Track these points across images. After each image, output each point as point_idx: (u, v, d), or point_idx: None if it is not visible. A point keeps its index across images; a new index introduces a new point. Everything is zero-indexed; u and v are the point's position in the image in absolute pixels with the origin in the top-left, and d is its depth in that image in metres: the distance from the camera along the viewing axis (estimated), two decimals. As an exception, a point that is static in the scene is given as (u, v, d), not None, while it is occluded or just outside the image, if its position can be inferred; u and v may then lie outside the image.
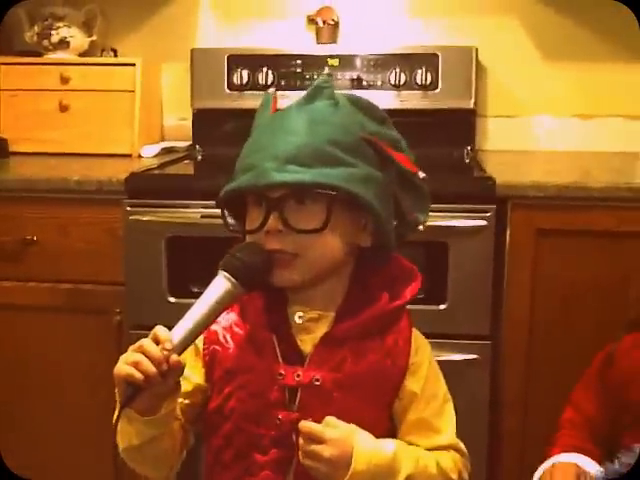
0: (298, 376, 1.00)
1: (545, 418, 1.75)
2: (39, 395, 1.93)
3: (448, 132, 2.22)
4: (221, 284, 0.96)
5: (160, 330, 0.93)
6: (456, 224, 1.71)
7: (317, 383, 1.00)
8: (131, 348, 0.92)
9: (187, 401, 1.06)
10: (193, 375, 1.06)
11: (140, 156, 2.13)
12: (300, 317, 1.03)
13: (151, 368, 0.89)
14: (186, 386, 1.05)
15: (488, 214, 1.70)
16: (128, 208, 1.78)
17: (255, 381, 1.02)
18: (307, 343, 1.03)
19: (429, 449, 1.04)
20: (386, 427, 1.05)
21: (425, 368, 1.06)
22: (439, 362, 1.73)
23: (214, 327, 1.05)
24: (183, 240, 1.79)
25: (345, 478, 0.95)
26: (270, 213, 0.97)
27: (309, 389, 1.00)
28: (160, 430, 0.97)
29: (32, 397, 1.93)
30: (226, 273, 0.97)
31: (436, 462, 1.03)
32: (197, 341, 1.04)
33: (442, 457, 1.04)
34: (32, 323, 1.90)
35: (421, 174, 1.07)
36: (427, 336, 1.81)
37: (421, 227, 1.09)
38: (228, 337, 1.05)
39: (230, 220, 1.05)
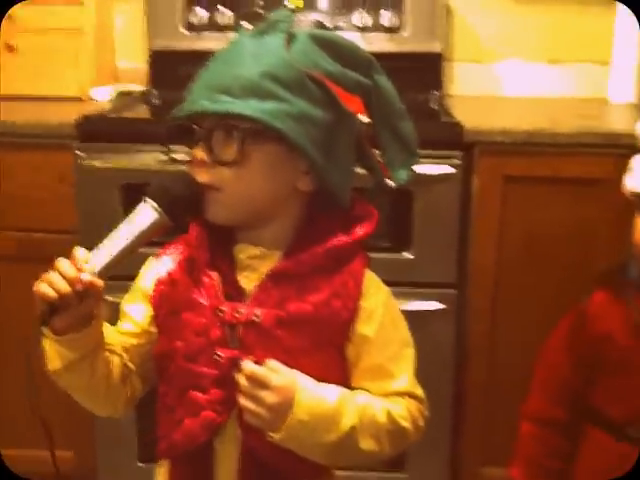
0: (238, 313, 0.98)
1: (511, 366, 1.75)
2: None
3: (414, 76, 2.15)
4: (147, 213, 0.95)
5: (78, 250, 0.93)
6: (422, 171, 1.65)
7: (257, 320, 0.98)
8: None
9: (132, 341, 1.05)
10: (139, 315, 1.06)
11: (92, 99, 2.04)
12: (242, 254, 1.01)
13: (65, 287, 0.90)
14: (131, 326, 1.06)
15: (455, 160, 1.66)
16: (78, 152, 1.70)
17: (197, 319, 1.00)
18: (252, 281, 1.00)
19: (383, 395, 1.02)
20: (339, 371, 1.02)
21: (379, 313, 1.02)
22: (405, 311, 1.71)
23: (162, 267, 1.05)
24: (138, 187, 1.71)
25: (283, 426, 0.93)
26: (199, 143, 0.96)
27: (250, 326, 0.98)
28: (80, 353, 0.96)
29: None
30: (153, 203, 0.95)
31: (387, 410, 1.00)
32: (146, 282, 1.06)
33: (394, 404, 1.01)
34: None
35: (364, 119, 1.00)
36: (392, 284, 1.78)
37: (398, 182, 1.05)
38: (176, 277, 1.03)
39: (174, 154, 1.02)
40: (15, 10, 2.01)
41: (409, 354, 1.05)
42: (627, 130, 1.64)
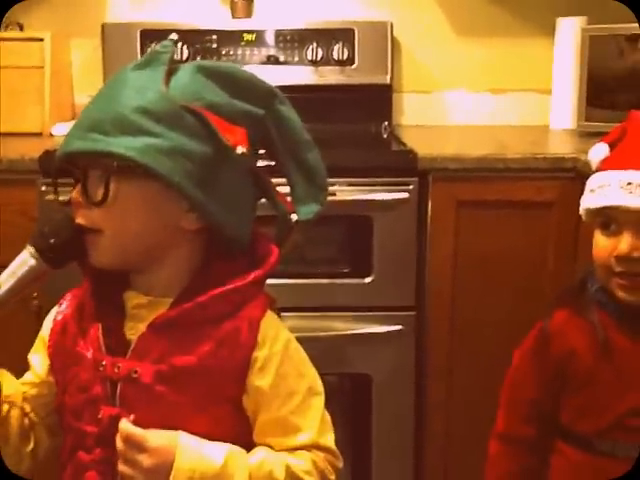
0: (118, 368, 0.93)
1: (470, 386, 1.80)
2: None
3: (365, 108, 2.24)
4: (25, 260, 0.94)
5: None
6: (379, 197, 1.73)
7: (135, 375, 0.92)
8: None
9: (32, 391, 1.02)
10: (39, 366, 1.03)
11: (52, 135, 2.05)
12: (130, 302, 0.97)
13: None
14: (32, 376, 1.03)
15: (410, 187, 1.73)
16: (43, 188, 1.71)
17: (81, 374, 0.96)
18: (139, 331, 0.94)
19: (287, 450, 0.95)
20: (237, 426, 0.96)
21: (275, 362, 0.94)
22: (366, 334, 1.76)
23: (58, 316, 1.02)
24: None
25: None
26: (77, 184, 0.92)
27: (129, 383, 0.93)
28: None
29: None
30: (31, 249, 0.94)
31: (286, 466, 0.93)
32: (45, 330, 1.03)
33: (297, 459, 0.94)
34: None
35: (240, 149, 0.92)
36: (353, 309, 1.84)
37: (305, 217, 0.99)
38: (67, 326, 1.00)
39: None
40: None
41: (316, 403, 0.98)
42: (571, 155, 1.73)
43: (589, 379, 1.16)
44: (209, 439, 0.92)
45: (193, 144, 0.90)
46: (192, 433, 0.91)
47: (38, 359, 1.03)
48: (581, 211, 1.19)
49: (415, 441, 1.85)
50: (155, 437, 0.89)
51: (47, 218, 0.97)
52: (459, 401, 1.82)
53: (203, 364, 0.92)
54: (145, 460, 0.88)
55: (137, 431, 0.89)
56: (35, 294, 1.74)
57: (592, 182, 1.16)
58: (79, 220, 0.92)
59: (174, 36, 0.98)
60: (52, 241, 0.93)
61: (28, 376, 1.04)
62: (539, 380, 1.20)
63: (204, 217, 0.93)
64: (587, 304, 1.16)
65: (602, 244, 1.13)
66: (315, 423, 0.97)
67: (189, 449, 0.89)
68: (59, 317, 1.01)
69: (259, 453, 0.94)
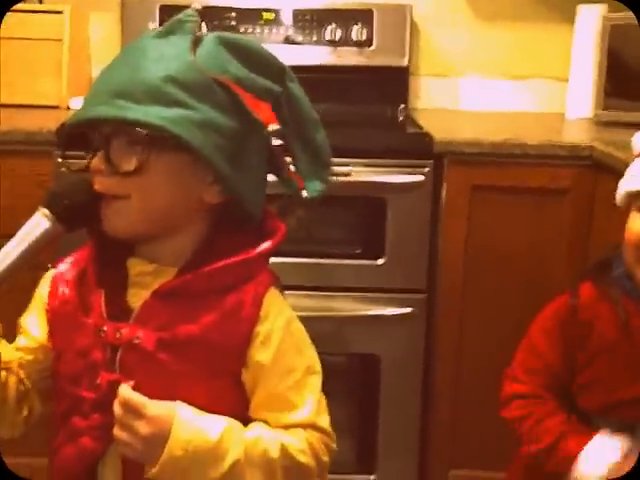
0: (119, 334, 0.92)
1: (479, 369, 1.81)
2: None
3: (382, 90, 2.23)
4: (39, 222, 0.92)
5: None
6: (394, 180, 1.73)
7: (137, 342, 0.91)
8: None
9: (29, 357, 1.00)
10: (35, 330, 1.00)
11: (69, 108, 2.06)
12: (133, 269, 0.95)
13: None
14: (27, 341, 1.00)
15: (425, 170, 1.73)
16: (59, 160, 1.72)
17: (80, 339, 0.94)
18: (141, 299, 0.93)
19: (282, 427, 0.94)
20: (235, 400, 0.95)
21: (277, 338, 0.94)
22: (376, 316, 1.77)
23: (59, 280, 0.99)
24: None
25: (158, 462, 0.86)
26: (97, 151, 0.90)
27: (130, 349, 0.92)
28: None
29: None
30: (45, 210, 0.92)
31: (281, 444, 0.92)
32: (43, 292, 1.00)
33: (292, 438, 0.93)
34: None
35: (273, 126, 0.93)
36: (364, 291, 1.84)
37: (311, 194, 0.99)
38: (67, 291, 0.97)
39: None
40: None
41: (313, 382, 0.97)
42: (587, 143, 1.73)
43: (604, 355, 1.17)
44: (207, 411, 0.91)
45: (223, 118, 0.90)
46: (190, 404, 0.90)
47: (35, 322, 1.00)
48: (618, 196, 1.18)
49: (421, 422, 1.86)
50: (154, 406, 0.87)
51: (61, 182, 0.95)
52: (467, 384, 1.83)
53: (205, 335, 0.92)
54: (142, 427, 0.86)
55: (136, 397, 0.87)
56: (49, 265, 1.76)
57: (634, 167, 1.16)
58: (98, 187, 0.91)
59: (197, 5, 0.96)
60: (66, 202, 0.91)
61: (22, 341, 1.00)
62: (560, 349, 1.20)
63: (228, 191, 0.93)
64: (611, 284, 1.17)
65: (638, 227, 1.13)
66: (312, 402, 0.96)
67: (186, 420, 0.88)
68: (60, 281, 0.98)
69: (256, 429, 0.93)
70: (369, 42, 2.20)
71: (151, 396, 0.89)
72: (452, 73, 2.34)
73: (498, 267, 1.79)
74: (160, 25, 2.09)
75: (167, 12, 2.16)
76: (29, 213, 1.72)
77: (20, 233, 0.92)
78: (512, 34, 2.30)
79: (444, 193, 1.75)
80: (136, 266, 0.95)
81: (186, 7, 2.20)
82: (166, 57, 0.89)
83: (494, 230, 1.77)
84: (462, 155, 1.73)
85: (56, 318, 0.98)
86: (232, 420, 0.92)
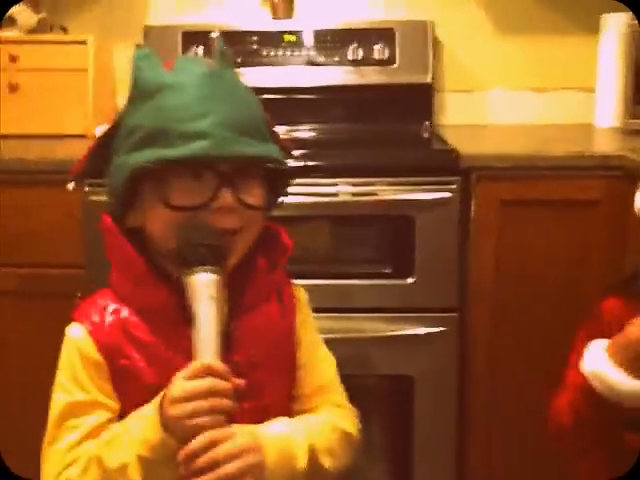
0: (235, 364, 0.94)
1: (513, 388, 1.78)
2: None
3: (406, 107, 2.22)
4: (205, 282, 0.90)
5: (215, 364, 0.88)
6: (421, 197, 1.71)
7: (254, 359, 0.99)
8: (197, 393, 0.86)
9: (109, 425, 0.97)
10: (106, 397, 0.97)
11: (95, 137, 2.07)
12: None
13: (228, 403, 0.88)
14: (105, 414, 0.97)
15: (453, 186, 1.71)
16: (87, 189, 1.73)
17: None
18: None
19: (334, 405, 1.08)
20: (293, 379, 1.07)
21: (310, 323, 1.11)
22: (408, 336, 1.76)
23: (109, 340, 0.97)
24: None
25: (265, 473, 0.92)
26: (221, 188, 0.91)
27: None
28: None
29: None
30: (204, 267, 0.90)
31: (333, 424, 1.04)
32: (93, 357, 0.97)
33: (344, 418, 1.07)
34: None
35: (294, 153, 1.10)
36: (394, 311, 1.82)
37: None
38: (141, 336, 0.97)
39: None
40: (17, 49, 2.05)
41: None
42: (617, 152, 1.70)
43: None
44: (287, 399, 1.04)
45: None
46: (278, 396, 1.02)
47: (102, 390, 0.97)
48: (636, 208, 1.16)
49: (457, 445, 1.82)
50: (238, 438, 0.89)
51: (188, 233, 0.92)
52: (502, 404, 1.79)
53: (278, 332, 1.03)
54: (242, 460, 0.89)
55: (220, 450, 0.88)
56: (79, 294, 1.77)
57: None
58: (227, 224, 0.93)
59: (216, 33, 1.03)
60: (215, 249, 0.91)
61: (100, 416, 0.97)
62: None
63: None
64: (638, 296, 1.14)
65: None
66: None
67: (266, 432, 0.95)
68: (112, 334, 0.97)
69: (319, 416, 1.04)
70: (391, 60, 2.19)
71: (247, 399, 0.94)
72: (477, 88, 2.33)
73: (530, 283, 1.75)
74: (182, 52, 2.14)
75: (190, 39, 2.18)
76: (58, 242, 1.76)
77: (200, 302, 0.89)
78: (535, 46, 2.28)
79: (472, 209, 1.73)
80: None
81: (207, 33, 2.21)
82: (246, 91, 0.97)
83: (524, 245, 1.74)
84: (490, 170, 1.71)
85: (129, 376, 0.96)
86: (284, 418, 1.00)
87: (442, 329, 1.76)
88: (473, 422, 1.82)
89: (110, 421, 0.96)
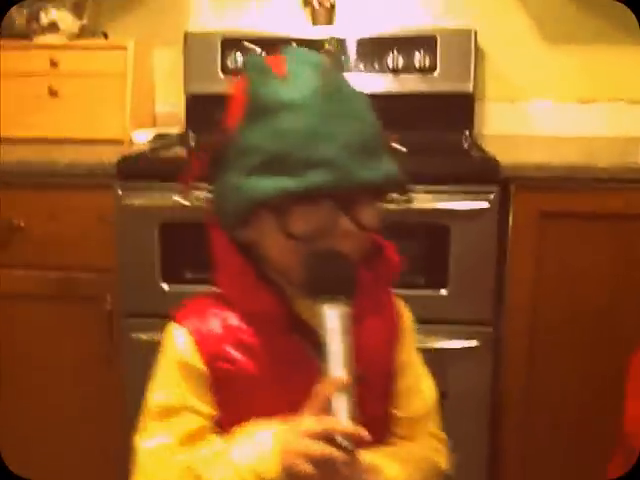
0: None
1: (548, 406, 1.72)
2: (27, 387, 1.87)
3: (446, 116, 2.18)
4: (337, 313, 0.87)
5: (340, 427, 0.84)
6: (458, 207, 1.67)
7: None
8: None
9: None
10: (204, 406, 0.95)
11: (132, 142, 2.08)
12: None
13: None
14: (205, 421, 0.95)
15: (491, 196, 1.66)
16: (120, 192, 1.73)
17: (297, 385, 0.90)
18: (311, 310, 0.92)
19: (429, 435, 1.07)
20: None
21: (411, 337, 1.10)
22: (441, 349, 1.70)
23: (214, 349, 0.95)
24: (177, 226, 1.74)
25: None
26: (339, 212, 0.87)
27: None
28: None
29: (20, 389, 1.88)
30: (337, 298, 0.88)
31: (426, 457, 1.04)
32: (197, 373, 0.94)
33: (430, 446, 1.06)
34: (20, 312, 1.84)
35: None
36: (428, 322, 1.77)
37: None
38: (238, 354, 0.95)
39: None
40: (57, 54, 2.07)
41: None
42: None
43: None
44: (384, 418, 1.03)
45: None
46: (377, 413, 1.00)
47: (200, 398, 0.95)
48: None
49: (489, 463, 1.77)
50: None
51: (318, 268, 0.89)
52: (537, 423, 1.73)
53: (379, 349, 1.01)
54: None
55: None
56: (109, 297, 1.76)
57: None
58: (347, 248, 0.89)
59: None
60: (344, 279, 0.89)
61: (195, 422, 0.95)
62: None
63: None
64: None
65: None
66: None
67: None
68: (211, 346, 0.94)
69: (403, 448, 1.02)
70: (432, 68, 2.16)
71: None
72: (520, 97, 2.28)
73: (569, 298, 1.69)
74: (221, 59, 2.14)
75: (229, 45, 2.18)
76: (89, 245, 1.76)
77: (330, 339, 0.87)
78: (580, 56, 2.23)
79: (511, 220, 1.68)
80: (306, 308, 0.93)
81: (247, 40, 2.18)
82: (364, 105, 0.92)
83: (565, 259, 1.69)
84: (529, 180, 1.66)
85: (232, 382, 0.95)
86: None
87: (476, 343, 1.70)
88: (507, 442, 1.76)
89: (204, 428, 0.95)
